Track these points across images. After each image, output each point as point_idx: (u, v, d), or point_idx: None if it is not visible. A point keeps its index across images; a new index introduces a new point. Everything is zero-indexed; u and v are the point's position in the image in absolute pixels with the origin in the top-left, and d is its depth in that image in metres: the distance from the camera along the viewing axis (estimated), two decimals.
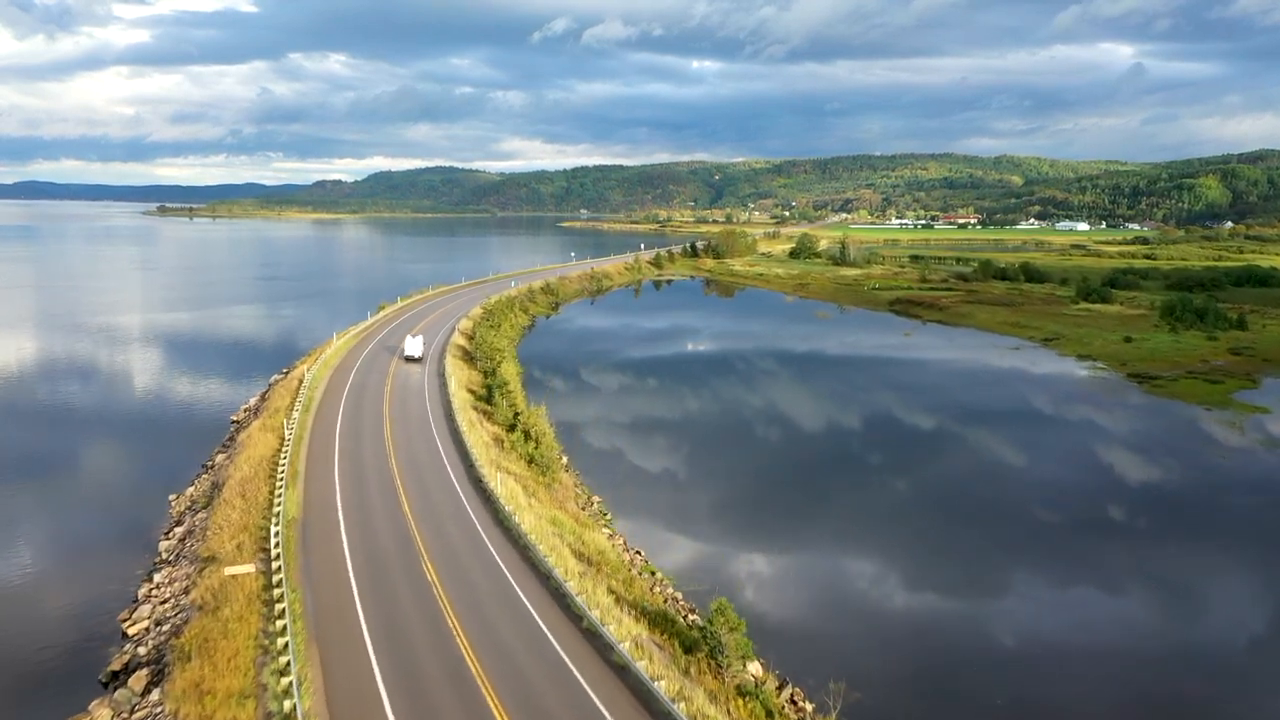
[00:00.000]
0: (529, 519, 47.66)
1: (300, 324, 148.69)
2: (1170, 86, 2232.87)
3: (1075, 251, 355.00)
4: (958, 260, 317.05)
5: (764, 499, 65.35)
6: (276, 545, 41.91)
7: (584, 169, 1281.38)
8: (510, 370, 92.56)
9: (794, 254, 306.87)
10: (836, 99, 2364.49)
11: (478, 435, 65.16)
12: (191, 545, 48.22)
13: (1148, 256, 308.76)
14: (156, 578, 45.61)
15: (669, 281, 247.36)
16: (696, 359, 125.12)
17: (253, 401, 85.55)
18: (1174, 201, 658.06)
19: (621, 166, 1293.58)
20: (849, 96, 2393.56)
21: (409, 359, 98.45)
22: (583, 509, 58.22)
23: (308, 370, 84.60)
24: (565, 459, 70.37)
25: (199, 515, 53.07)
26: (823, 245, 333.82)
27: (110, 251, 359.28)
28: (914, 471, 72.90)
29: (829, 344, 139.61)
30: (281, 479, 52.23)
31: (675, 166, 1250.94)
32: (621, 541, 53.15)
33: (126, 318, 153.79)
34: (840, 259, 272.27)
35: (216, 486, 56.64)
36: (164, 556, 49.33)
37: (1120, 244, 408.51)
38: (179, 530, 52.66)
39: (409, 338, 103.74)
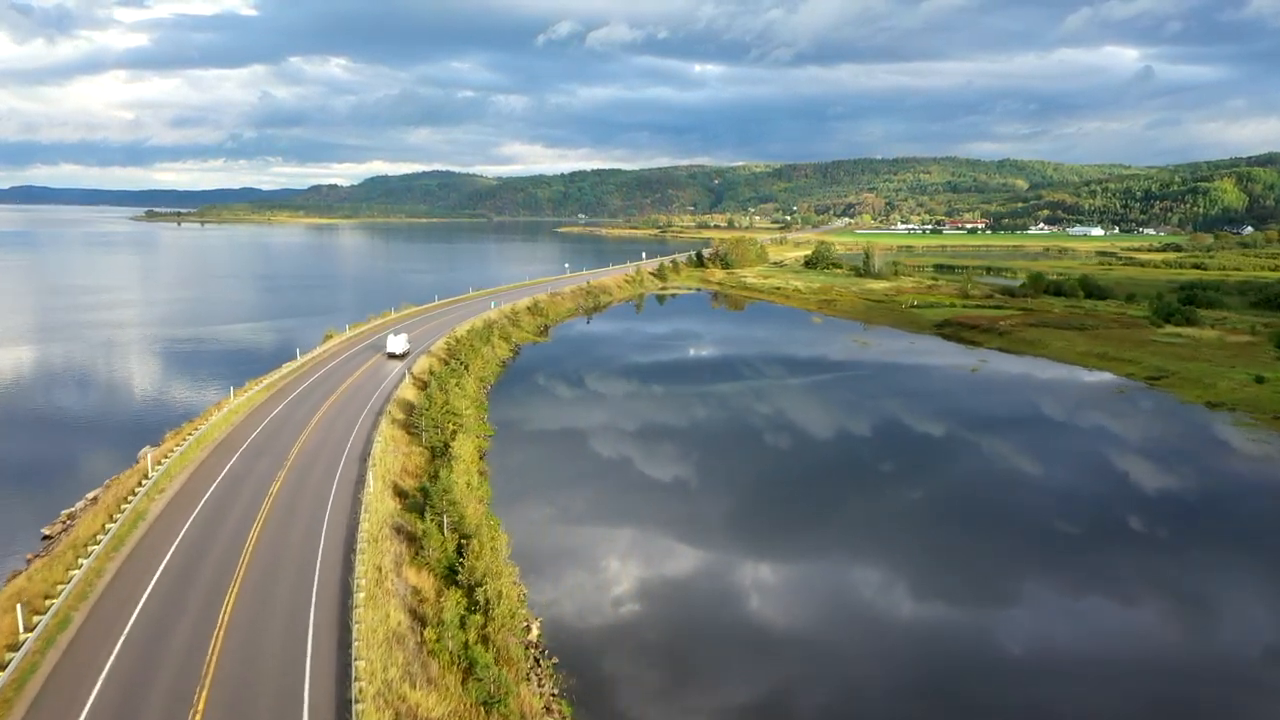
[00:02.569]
0: None
1: (225, 358, 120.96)
2: (1176, 90, 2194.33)
3: (1112, 260, 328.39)
4: (988, 270, 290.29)
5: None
6: None
7: (581, 173, 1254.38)
8: (468, 449, 64.93)
9: (810, 263, 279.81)
10: (840, 103, 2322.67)
11: (381, 614, 37.53)
12: None
13: (1197, 266, 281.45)
14: None
15: (674, 295, 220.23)
16: (713, 397, 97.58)
17: (81, 503, 57.93)
18: (1188, 206, 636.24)
19: (620, 170, 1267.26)
20: (852, 100, 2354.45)
21: (391, 356, 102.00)
22: None
23: (154, 463, 56.77)
24: (534, 628, 42.98)
25: None
26: (838, 252, 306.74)
27: (61, 260, 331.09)
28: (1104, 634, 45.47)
29: (883, 380, 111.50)
30: None
31: (674, 170, 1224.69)
32: None
33: (14, 347, 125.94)
34: (864, 270, 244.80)
35: None
36: None
37: (1153, 251, 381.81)
38: None
39: (391, 335, 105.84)
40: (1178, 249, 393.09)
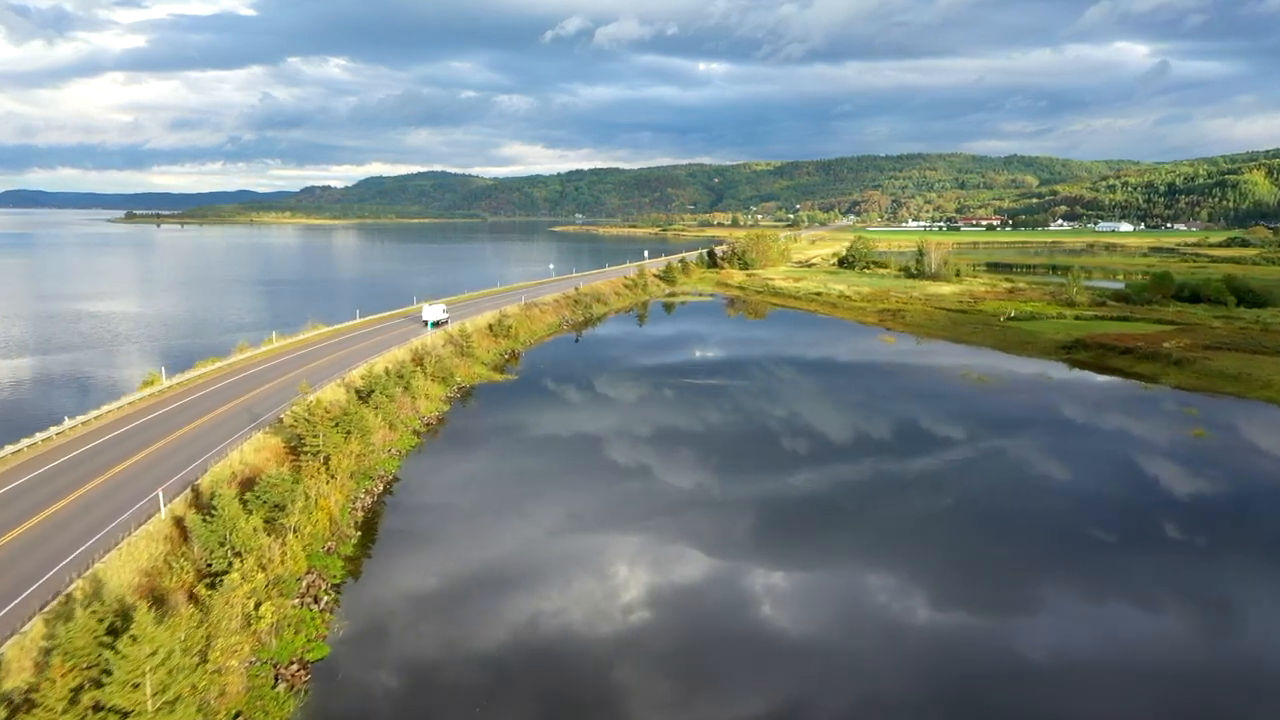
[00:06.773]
0: None
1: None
2: (1185, 87, 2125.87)
3: (1193, 258, 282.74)
4: (1052, 269, 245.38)
5: None
6: None
7: (579, 172, 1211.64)
8: None
9: (844, 263, 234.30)
10: (846, 101, 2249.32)
11: None
12: None
13: None
14: None
15: (684, 302, 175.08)
16: (776, 502, 52.50)
17: None
18: (1216, 200, 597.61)
19: (618, 170, 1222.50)
20: (856, 99, 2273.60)
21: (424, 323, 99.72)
22: None
23: None
24: None
25: None
26: (878, 248, 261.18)
27: None
28: None
29: (1074, 472, 65.82)
30: None
31: (673, 169, 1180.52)
32: None
33: None
34: (918, 270, 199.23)
35: None
36: None
37: (1215, 246, 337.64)
38: None
39: (426, 306, 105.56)
40: (1244, 244, 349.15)
